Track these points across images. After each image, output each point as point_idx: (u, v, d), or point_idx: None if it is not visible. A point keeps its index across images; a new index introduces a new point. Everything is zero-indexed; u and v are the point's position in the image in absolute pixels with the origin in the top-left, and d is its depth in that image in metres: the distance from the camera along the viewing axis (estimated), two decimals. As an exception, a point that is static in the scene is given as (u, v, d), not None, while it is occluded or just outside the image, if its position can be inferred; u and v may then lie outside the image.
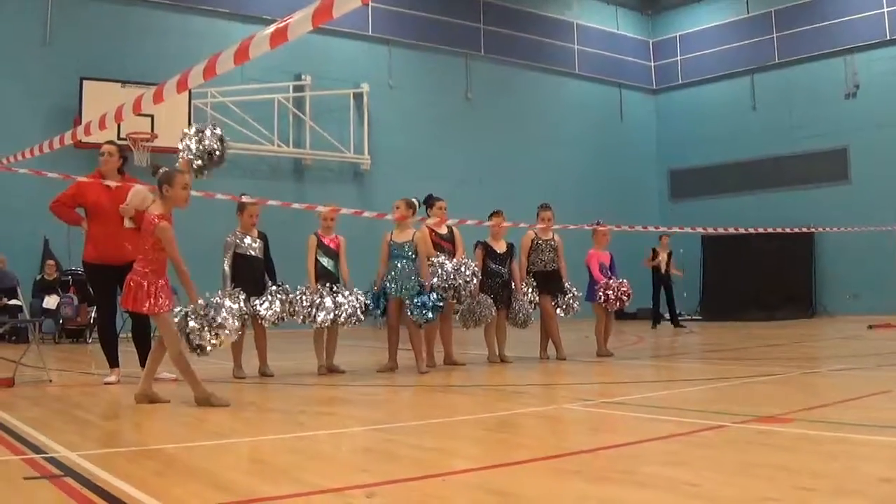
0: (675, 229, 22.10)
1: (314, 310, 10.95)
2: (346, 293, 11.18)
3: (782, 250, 28.22)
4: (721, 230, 18.82)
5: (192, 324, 8.42)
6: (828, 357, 13.91)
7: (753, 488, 4.48)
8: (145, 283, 8.16)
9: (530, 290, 12.90)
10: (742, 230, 19.29)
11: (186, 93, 20.79)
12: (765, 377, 10.18)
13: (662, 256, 23.06)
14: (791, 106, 30.14)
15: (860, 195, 27.66)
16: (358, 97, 26.03)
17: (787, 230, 22.77)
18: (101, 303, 10.82)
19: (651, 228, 21.88)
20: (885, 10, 28.18)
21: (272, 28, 4.53)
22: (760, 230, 20.59)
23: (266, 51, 4.68)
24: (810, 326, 22.76)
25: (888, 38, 28.19)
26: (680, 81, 33.93)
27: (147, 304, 8.15)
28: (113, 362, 10.39)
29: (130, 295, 8.21)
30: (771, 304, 27.20)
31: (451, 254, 11.91)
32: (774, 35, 31.04)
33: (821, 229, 25.54)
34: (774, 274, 28.42)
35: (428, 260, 11.41)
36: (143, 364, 9.94)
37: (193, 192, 9.05)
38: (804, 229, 24.74)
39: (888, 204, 25.44)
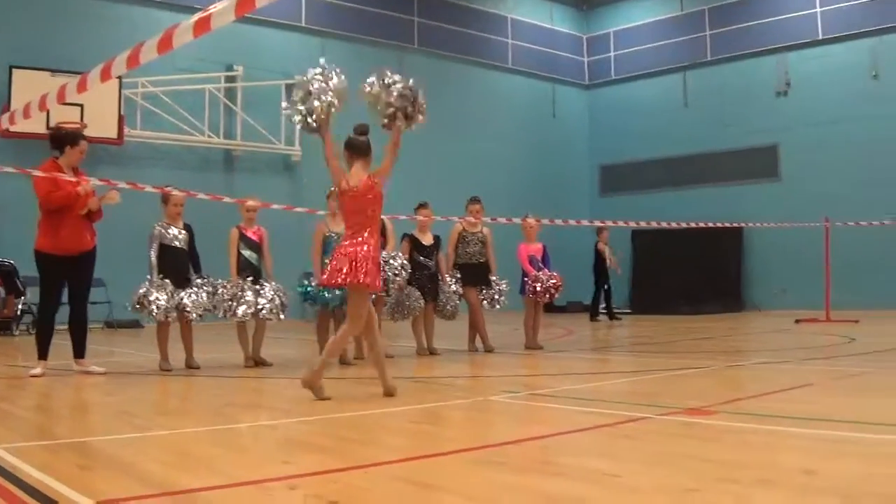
0: (609, 223, 22.15)
1: (234, 303, 10.88)
2: (270, 286, 11.13)
3: (712, 246, 28.44)
4: (652, 225, 18.87)
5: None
6: (754, 350, 14.07)
7: (674, 479, 4.53)
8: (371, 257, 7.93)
9: (453, 281, 12.88)
10: (672, 225, 19.36)
11: (116, 82, 20.69)
12: (691, 370, 10.28)
13: (605, 249, 23.20)
14: (723, 103, 30.33)
15: (790, 192, 27.94)
16: (289, 88, 25.80)
17: (717, 225, 22.97)
18: (48, 293, 10.57)
19: (585, 222, 21.93)
20: (818, 9, 28.44)
21: (196, 17, 4.48)
22: (691, 225, 20.70)
23: (189, 40, 4.63)
24: (738, 320, 22.97)
25: (820, 37, 28.45)
26: (613, 77, 34.02)
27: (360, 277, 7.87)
28: (42, 354, 10.26)
29: (355, 268, 7.86)
30: (700, 298, 27.39)
31: (382, 246, 11.88)
32: (707, 33, 31.24)
33: (750, 225, 25.78)
34: (704, 269, 28.65)
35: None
36: (76, 353, 10.01)
37: (122, 184, 9.01)
38: (734, 225, 24.98)
39: (817, 201, 25.70)
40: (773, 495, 4.19)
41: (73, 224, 10.13)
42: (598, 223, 23.20)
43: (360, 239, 7.97)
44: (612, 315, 23.31)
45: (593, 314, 23.51)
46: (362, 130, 8.58)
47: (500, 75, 31.79)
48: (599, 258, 23.30)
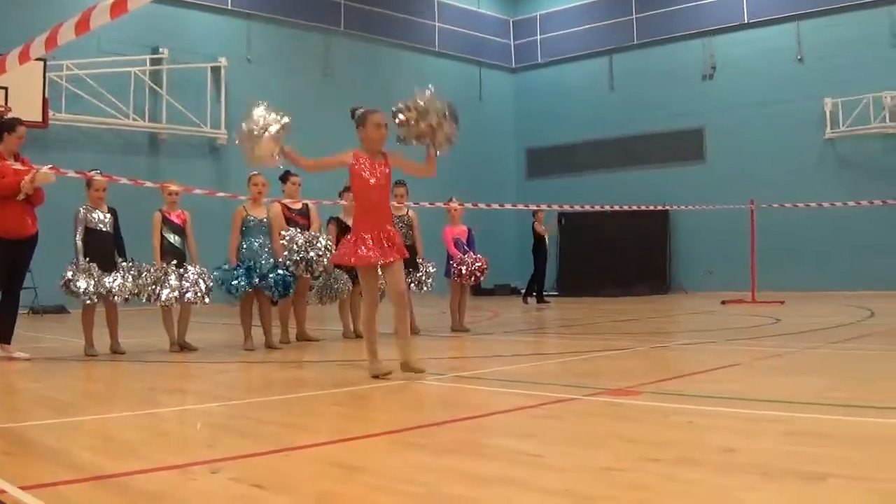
0: (532, 207, 22.22)
1: (158, 287, 10.79)
2: (194, 270, 11.04)
3: (638, 228, 28.63)
4: (577, 208, 19.00)
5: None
6: (680, 332, 14.20)
7: (596, 458, 4.55)
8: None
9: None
10: (598, 208, 19.51)
11: (40, 65, 20.39)
12: (617, 351, 10.37)
13: (541, 229, 23.20)
14: (649, 87, 30.57)
15: (715, 174, 28.23)
16: (216, 71, 25.65)
17: (643, 208, 23.13)
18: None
19: (508, 206, 21.99)
20: (745, -7, 28.84)
21: (113, -2, 4.43)
22: (617, 208, 20.86)
23: (107, 21, 4.58)
24: (665, 302, 23.19)
25: (746, 21, 28.78)
26: (539, 61, 34.12)
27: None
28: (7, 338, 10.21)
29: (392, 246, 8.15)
30: (627, 280, 27.62)
31: (306, 229, 11.84)
32: (634, 16, 31.43)
33: (676, 208, 26.02)
34: (631, 251, 28.87)
35: (280, 234, 11.34)
36: (2, 338, 9.90)
37: (44, 169, 8.93)
38: (660, 208, 25.20)
39: (742, 183, 25.97)
40: (694, 473, 4.22)
41: (15, 209, 10.11)
42: (521, 206, 23.28)
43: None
44: (540, 298, 23.37)
45: (528, 295, 23.57)
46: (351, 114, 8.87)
47: (426, 59, 31.73)
48: (537, 239, 23.29)
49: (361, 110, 8.73)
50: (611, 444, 4.89)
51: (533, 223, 23.31)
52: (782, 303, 19.82)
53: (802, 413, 5.87)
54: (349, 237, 8.29)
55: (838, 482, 4.01)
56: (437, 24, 32.06)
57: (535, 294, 23.46)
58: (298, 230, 11.58)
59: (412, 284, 13.21)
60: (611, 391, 6.79)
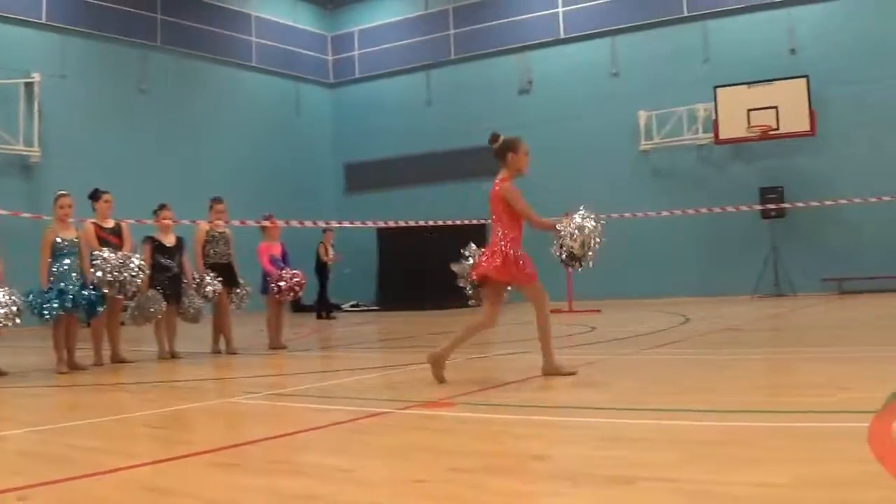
0: (344, 223, 22.24)
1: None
2: (3, 291, 10.70)
3: (457, 242, 28.60)
4: (389, 223, 19.12)
5: None
6: (498, 342, 14.33)
7: (406, 471, 4.60)
8: (511, 254, 8.48)
9: (213, 281, 12.73)
10: (417, 223, 19.61)
11: None
12: (433, 364, 10.42)
13: (329, 250, 23.50)
14: (466, 101, 30.84)
15: (532, 189, 28.40)
16: (28, 87, 24.98)
17: (462, 222, 23.32)
18: None
19: (321, 224, 21.96)
20: (560, 9, 29.39)
21: None
22: (436, 222, 20.99)
23: None
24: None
25: (561, 36, 29.36)
26: (357, 76, 34.12)
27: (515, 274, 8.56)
28: None
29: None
30: (446, 293, 27.73)
31: (119, 248, 11.62)
32: (451, 31, 31.70)
33: (482, 221, 26.31)
34: (449, 264, 28.96)
35: (91, 255, 11.12)
36: None
37: None
38: (478, 221, 25.42)
39: (559, 197, 26.29)
40: (503, 482, 4.29)
41: None
42: (334, 223, 23.35)
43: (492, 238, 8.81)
44: (327, 314, 23.84)
45: (321, 312, 23.80)
46: (490, 141, 9.02)
47: (244, 74, 31.44)
48: (320, 262, 23.81)
49: (510, 137, 9.02)
50: (422, 457, 4.94)
51: (318, 245, 23.60)
52: (599, 311, 20.22)
53: (614, 419, 6.02)
54: (516, 253, 8.64)
55: (646, 485, 4.14)
56: (254, 39, 31.80)
57: (327, 310, 23.96)
58: (111, 250, 11.36)
59: (232, 303, 13.15)
60: (425, 404, 6.85)
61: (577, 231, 8.83)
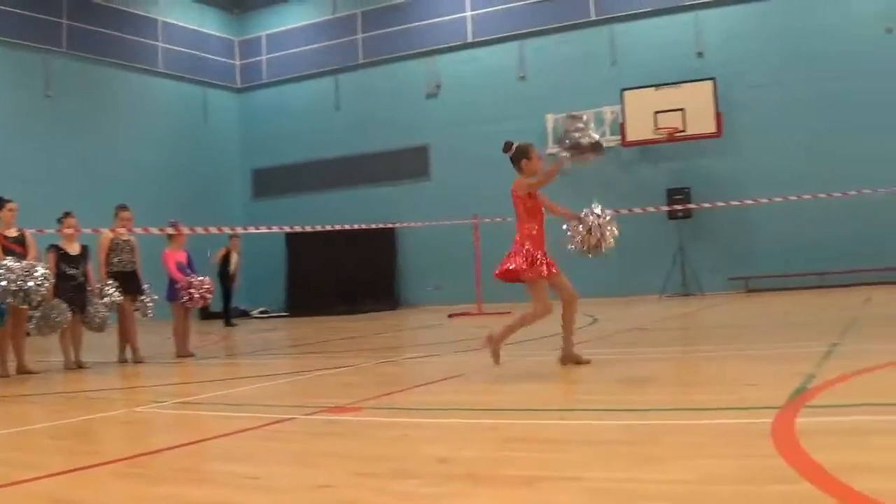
0: (251, 229, 22.18)
1: None
2: None
3: (366, 246, 28.81)
4: (297, 228, 19.14)
5: None
6: (406, 346, 14.41)
7: (311, 476, 4.62)
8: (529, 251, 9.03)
9: (112, 290, 12.60)
10: (326, 227, 19.61)
11: None
12: (342, 368, 10.44)
13: (234, 257, 23.35)
14: (374, 105, 30.92)
15: (440, 191, 28.78)
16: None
17: (370, 226, 23.35)
18: None
19: (226, 230, 21.88)
20: (468, 13, 29.61)
21: None
22: (344, 227, 21.00)
23: None
24: (394, 318, 23.46)
25: (469, 40, 29.56)
26: (265, 80, 33.98)
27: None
28: None
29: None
30: (356, 297, 27.81)
31: (23, 257, 11.46)
32: (360, 36, 31.74)
33: (403, 224, 26.39)
34: (359, 268, 29.05)
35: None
36: None
37: None
38: (387, 225, 25.50)
39: (466, 199, 26.47)
40: (407, 485, 4.32)
41: None
42: (239, 230, 23.28)
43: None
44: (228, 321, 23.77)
45: (228, 319, 23.65)
46: (504, 149, 9.55)
47: (150, 79, 31.12)
48: (223, 265, 23.56)
49: (522, 144, 9.52)
50: (327, 462, 4.96)
51: (220, 249, 23.54)
52: (508, 313, 20.30)
53: (518, 420, 6.09)
54: (535, 253, 9.11)
55: (548, 484, 4.19)
56: (160, 44, 31.48)
57: (223, 315, 23.79)
58: (15, 259, 11.19)
59: (138, 311, 13.03)
60: (331, 409, 6.87)
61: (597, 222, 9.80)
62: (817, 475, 3.93)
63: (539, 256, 8.99)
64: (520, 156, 9.27)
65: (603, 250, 9.71)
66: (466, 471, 4.52)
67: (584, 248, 9.72)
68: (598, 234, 9.69)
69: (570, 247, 9.79)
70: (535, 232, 9.13)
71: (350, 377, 9.63)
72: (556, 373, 9.01)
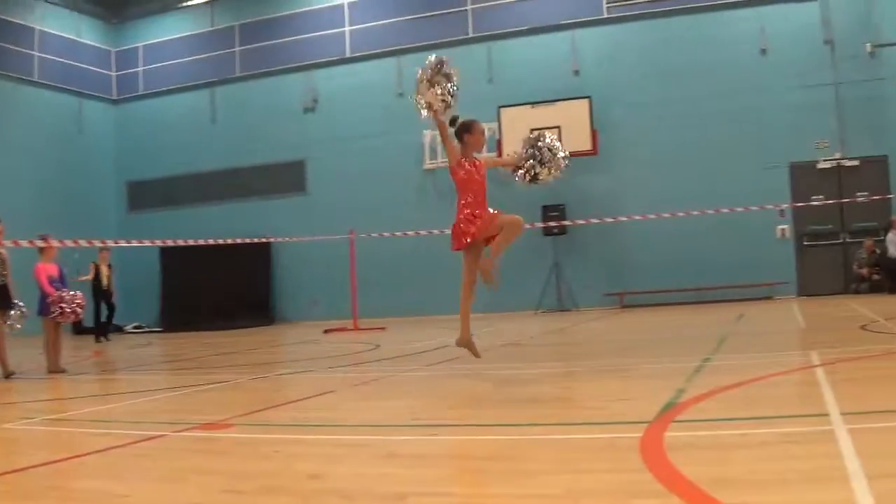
0: (135, 243, 21.88)
1: None
2: None
3: (242, 260, 28.56)
4: (175, 243, 19.00)
5: None
6: (281, 362, 14.33)
7: (182, 494, 4.59)
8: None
9: None
10: (200, 242, 19.48)
11: None
12: (215, 384, 10.38)
13: (104, 270, 22.97)
14: (251, 119, 30.74)
15: (317, 206, 28.73)
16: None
17: (245, 241, 23.21)
18: None
19: (96, 243, 21.58)
20: (346, 28, 29.56)
21: None
22: (220, 241, 20.86)
23: None
24: (269, 333, 23.32)
25: (347, 55, 29.53)
26: (142, 92, 33.50)
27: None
28: None
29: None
30: (232, 312, 27.58)
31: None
32: (237, 49, 31.50)
33: (278, 239, 26.28)
34: (235, 283, 28.82)
35: None
36: None
37: None
38: (262, 240, 25.38)
39: (343, 214, 26.50)
40: (277, 502, 4.33)
41: None
42: (111, 243, 22.98)
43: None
44: (105, 335, 23.38)
45: (99, 334, 23.23)
46: (449, 124, 9.71)
47: (25, 88, 30.42)
48: (96, 278, 23.13)
49: (466, 120, 9.73)
50: (197, 479, 4.93)
51: (89, 265, 23.13)
52: (383, 328, 20.38)
53: (390, 436, 6.13)
54: (459, 224, 9.25)
55: (418, 500, 4.23)
56: (36, 53, 30.89)
57: (101, 332, 23.34)
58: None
59: (7, 325, 12.78)
60: (202, 425, 6.82)
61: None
62: (685, 489, 4.03)
63: (462, 227, 9.20)
64: (462, 131, 9.59)
65: (550, 173, 10.02)
66: (336, 487, 4.55)
67: (534, 165, 10.01)
68: (549, 157, 10.00)
69: (519, 172, 10.09)
70: (464, 202, 9.27)
71: (223, 393, 9.58)
72: (429, 388, 9.08)
